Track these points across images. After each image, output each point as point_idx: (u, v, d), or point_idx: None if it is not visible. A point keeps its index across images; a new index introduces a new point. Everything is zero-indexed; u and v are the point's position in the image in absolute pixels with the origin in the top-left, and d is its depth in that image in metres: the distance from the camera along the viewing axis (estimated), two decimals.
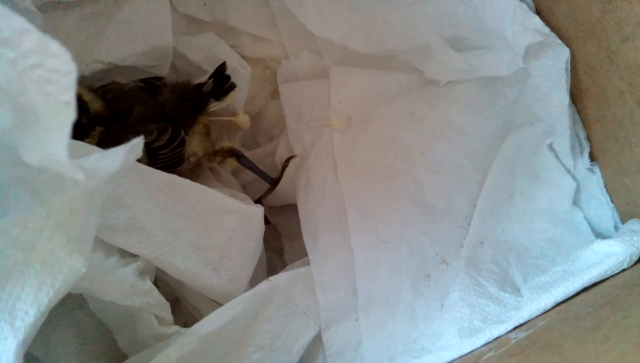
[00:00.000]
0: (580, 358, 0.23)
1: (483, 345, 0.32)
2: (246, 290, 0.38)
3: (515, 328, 0.32)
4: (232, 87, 0.43)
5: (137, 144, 0.26)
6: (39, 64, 0.20)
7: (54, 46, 0.21)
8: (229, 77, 0.43)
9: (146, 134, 0.39)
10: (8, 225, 0.25)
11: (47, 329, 0.37)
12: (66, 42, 0.43)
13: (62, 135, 0.21)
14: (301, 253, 0.42)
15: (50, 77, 0.20)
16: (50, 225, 0.25)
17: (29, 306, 0.24)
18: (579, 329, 0.24)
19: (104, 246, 0.34)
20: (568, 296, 0.31)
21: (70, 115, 0.20)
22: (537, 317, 0.31)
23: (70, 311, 0.37)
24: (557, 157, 0.39)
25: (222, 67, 0.43)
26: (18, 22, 0.20)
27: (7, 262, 0.24)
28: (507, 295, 0.35)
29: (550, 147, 0.39)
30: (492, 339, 0.32)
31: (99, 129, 0.39)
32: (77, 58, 0.43)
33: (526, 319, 0.32)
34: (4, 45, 0.20)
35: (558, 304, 0.31)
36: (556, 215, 0.39)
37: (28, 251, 0.25)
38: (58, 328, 0.37)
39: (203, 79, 0.44)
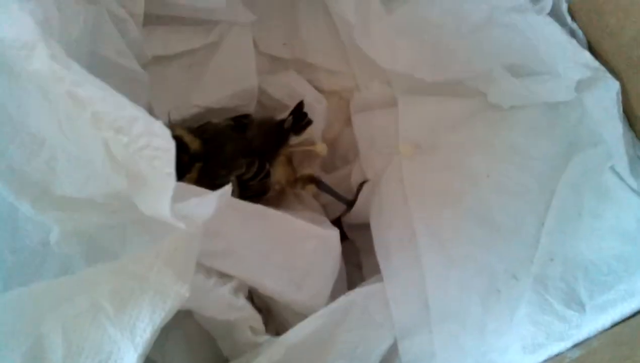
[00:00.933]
0: None
1: (543, 362, 0.34)
2: (327, 303, 0.42)
3: (573, 346, 0.33)
4: (309, 122, 0.48)
5: (226, 190, 0.32)
6: (146, 145, 0.26)
7: (158, 127, 0.26)
8: (306, 114, 0.48)
9: (237, 168, 0.45)
10: (126, 263, 0.31)
11: (162, 336, 0.44)
12: (170, 91, 0.51)
13: (166, 198, 0.26)
14: (378, 268, 0.45)
15: (155, 154, 0.26)
16: (159, 261, 0.31)
17: (146, 325, 0.30)
18: (613, 359, 0.26)
19: (204, 269, 0.40)
20: (625, 317, 0.32)
21: (171, 182, 0.26)
22: (594, 336, 0.33)
23: (181, 320, 0.44)
24: (620, 177, 0.39)
25: (300, 105, 0.48)
26: (130, 111, 0.26)
27: (127, 290, 0.31)
28: (571, 312, 0.36)
29: (613, 169, 0.39)
30: (552, 355, 0.34)
31: (197, 165, 0.45)
32: (178, 104, 0.51)
33: (585, 337, 0.33)
34: (119, 133, 0.26)
35: (616, 324, 0.32)
36: (624, 233, 0.39)
37: (142, 281, 0.31)
38: (171, 335, 0.43)
39: (284, 115, 0.49)
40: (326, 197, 0.53)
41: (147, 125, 0.26)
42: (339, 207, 0.52)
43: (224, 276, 0.41)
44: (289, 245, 0.42)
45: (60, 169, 0.32)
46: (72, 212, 0.34)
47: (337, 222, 0.52)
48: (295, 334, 0.39)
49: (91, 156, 0.31)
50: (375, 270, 0.46)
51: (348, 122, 0.53)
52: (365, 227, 0.50)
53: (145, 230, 0.35)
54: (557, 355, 0.33)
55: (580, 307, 0.36)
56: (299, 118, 0.48)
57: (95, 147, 0.29)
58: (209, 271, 0.40)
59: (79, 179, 0.32)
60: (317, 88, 0.53)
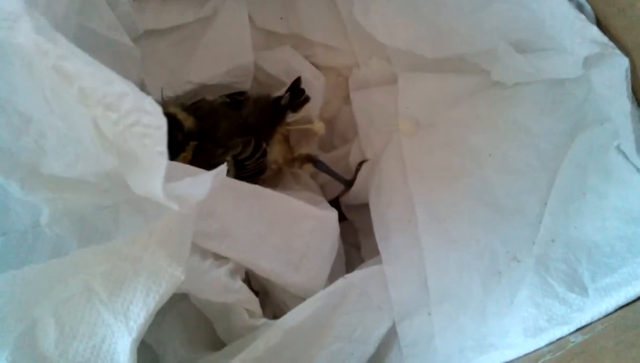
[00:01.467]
0: None
1: (545, 345, 0.33)
2: (326, 285, 0.42)
3: (577, 330, 0.33)
4: (307, 99, 0.47)
5: (221, 170, 0.31)
6: (136, 122, 0.25)
7: (148, 103, 0.25)
8: (303, 90, 0.47)
9: (232, 148, 0.44)
10: (119, 244, 0.31)
11: (157, 319, 0.43)
12: (162, 66, 0.50)
13: (158, 176, 0.25)
14: (377, 249, 0.45)
15: (146, 131, 0.25)
16: (152, 243, 0.30)
17: (140, 309, 0.29)
18: (620, 344, 0.25)
19: (199, 251, 0.39)
20: (630, 300, 0.31)
21: (163, 161, 0.25)
22: (598, 319, 0.32)
23: (176, 303, 0.43)
24: (626, 157, 0.38)
25: (297, 81, 0.47)
26: (119, 86, 0.25)
27: (120, 273, 0.30)
28: (573, 295, 0.36)
29: (619, 148, 0.38)
30: (554, 340, 0.33)
31: (192, 143, 0.44)
32: (171, 80, 0.49)
33: (588, 321, 0.33)
34: (108, 109, 0.25)
35: (620, 307, 0.32)
36: (629, 213, 0.39)
37: (136, 263, 0.30)
38: (166, 318, 0.43)
39: (280, 92, 0.48)
40: (324, 177, 0.52)
41: (137, 101, 0.25)
42: (337, 187, 0.52)
43: (219, 258, 0.40)
44: (286, 225, 0.41)
45: (50, 148, 0.31)
46: (62, 192, 0.33)
47: (335, 203, 0.52)
48: (292, 317, 0.39)
49: (80, 134, 0.30)
50: (374, 251, 0.46)
51: (346, 99, 0.52)
52: (364, 207, 0.50)
53: (139, 211, 0.34)
54: (559, 340, 0.33)
55: (583, 289, 0.36)
56: (296, 95, 0.47)
57: (84, 124, 0.28)
58: (204, 253, 0.39)
59: (69, 158, 0.31)
60: (314, 64, 0.51)
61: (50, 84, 0.27)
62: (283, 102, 0.47)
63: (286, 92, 0.47)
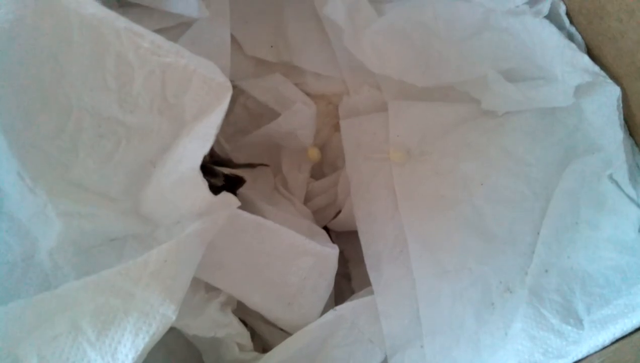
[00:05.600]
0: None
1: None
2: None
3: None
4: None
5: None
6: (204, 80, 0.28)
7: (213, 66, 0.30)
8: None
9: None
10: (112, 275, 0.30)
11: None
12: None
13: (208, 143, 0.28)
14: (368, 279, 0.44)
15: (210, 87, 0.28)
16: (147, 274, 0.29)
17: (128, 350, 0.28)
18: None
19: (191, 282, 0.38)
20: (626, 333, 0.31)
21: (218, 119, 0.29)
22: (594, 353, 0.31)
23: (164, 335, 0.42)
24: (619, 186, 0.38)
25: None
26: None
27: (110, 311, 0.29)
28: (569, 327, 0.35)
29: (611, 177, 0.38)
30: None
31: None
32: None
33: (584, 355, 0.32)
34: (179, 56, 0.29)
35: (617, 340, 0.31)
36: (622, 243, 0.38)
37: (128, 301, 0.29)
38: (151, 352, 0.41)
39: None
40: (316, 204, 0.51)
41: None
42: (328, 215, 0.51)
43: (210, 290, 0.39)
44: (284, 260, 0.40)
45: (84, 143, 0.31)
46: (84, 205, 0.32)
47: (324, 230, 0.51)
48: (281, 351, 0.38)
49: (137, 101, 0.31)
50: (365, 282, 0.45)
51: (336, 127, 0.52)
52: (353, 236, 0.49)
53: (144, 248, 0.33)
54: None
55: (578, 321, 0.35)
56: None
57: (145, 86, 0.30)
58: (196, 285, 0.38)
59: (107, 149, 0.31)
60: (304, 92, 0.51)
61: (116, 49, 0.29)
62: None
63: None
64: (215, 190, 0.34)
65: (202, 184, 0.29)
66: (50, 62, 0.29)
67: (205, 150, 0.28)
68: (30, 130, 0.29)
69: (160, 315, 0.29)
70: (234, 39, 0.50)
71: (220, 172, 0.41)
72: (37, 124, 0.29)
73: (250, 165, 0.49)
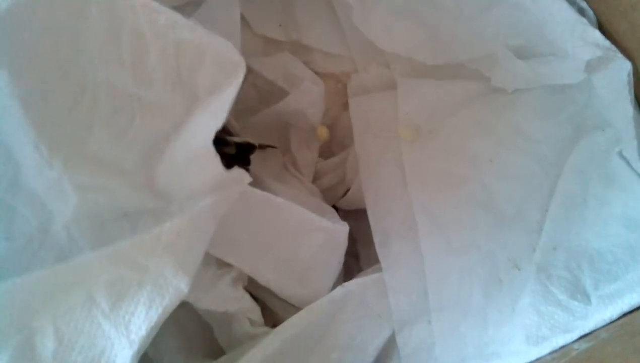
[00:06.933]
0: None
1: (548, 354, 0.33)
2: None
3: (580, 338, 0.32)
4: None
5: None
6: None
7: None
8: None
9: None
10: (126, 247, 0.30)
11: None
12: None
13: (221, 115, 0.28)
14: (375, 259, 0.44)
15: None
16: (160, 246, 0.30)
17: (142, 321, 0.29)
18: (626, 350, 0.25)
19: (203, 258, 0.38)
20: (633, 307, 0.31)
21: (230, 97, 0.29)
22: (602, 327, 0.32)
23: (175, 310, 0.43)
24: (628, 163, 0.38)
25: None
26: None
27: (124, 283, 0.29)
28: (576, 303, 0.35)
29: (621, 154, 0.38)
30: (557, 348, 0.33)
31: None
32: None
33: (591, 329, 0.32)
34: (193, 31, 0.29)
35: (624, 314, 0.32)
36: (631, 220, 0.38)
37: (141, 272, 0.30)
38: (163, 327, 0.42)
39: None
40: (324, 182, 0.52)
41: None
42: (336, 193, 0.51)
43: (222, 265, 0.40)
44: (295, 236, 0.41)
45: (100, 118, 0.31)
46: (100, 177, 0.32)
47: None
48: (290, 326, 0.38)
49: (152, 77, 0.31)
50: (373, 261, 0.45)
51: (345, 106, 0.52)
52: (361, 214, 0.49)
53: (157, 223, 0.33)
54: (562, 347, 0.33)
55: (586, 297, 0.36)
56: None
57: (160, 62, 0.30)
58: (207, 260, 0.39)
59: (122, 123, 0.31)
60: (313, 71, 0.51)
61: (132, 24, 0.29)
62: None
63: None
64: (228, 159, 0.35)
65: (215, 158, 0.30)
66: (67, 36, 0.29)
67: (218, 125, 0.29)
68: (46, 104, 0.29)
69: (173, 287, 0.29)
70: (242, 18, 0.50)
71: (231, 141, 0.41)
72: (53, 97, 0.29)
73: (259, 146, 0.50)
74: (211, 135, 0.29)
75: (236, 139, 0.43)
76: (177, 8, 0.46)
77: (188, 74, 0.30)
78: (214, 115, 0.29)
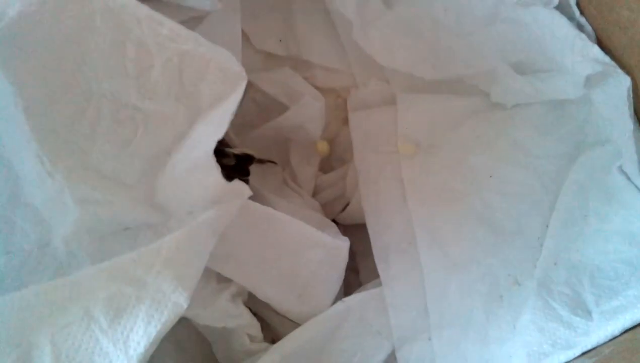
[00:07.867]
0: None
1: None
2: None
3: (582, 354, 0.32)
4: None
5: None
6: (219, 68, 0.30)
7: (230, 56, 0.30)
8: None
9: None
10: (125, 262, 0.30)
11: None
12: None
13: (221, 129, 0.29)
14: (375, 273, 0.44)
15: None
16: (159, 261, 0.29)
17: (140, 337, 0.29)
18: None
19: (203, 274, 0.38)
20: (635, 323, 0.31)
21: (232, 108, 0.30)
22: (604, 343, 0.31)
23: (173, 327, 0.42)
24: (628, 178, 0.38)
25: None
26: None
27: (122, 299, 0.29)
28: (577, 319, 0.35)
29: (621, 169, 0.38)
30: None
31: None
32: None
33: (594, 345, 0.32)
34: (198, 43, 0.30)
35: (626, 331, 0.31)
36: (632, 236, 0.38)
37: (140, 288, 0.29)
38: (161, 344, 0.42)
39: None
40: (324, 197, 0.52)
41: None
42: (336, 208, 0.51)
43: (222, 280, 0.39)
44: (295, 252, 0.40)
45: (103, 130, 0.31)
46: (101, 190, 0.32)
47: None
48: (290, 342, 0.38)
49: (156, 88, 0.31)
50: (373, 275, 0.45)
51: (345, 121, 0.52)
52: (361, 229, 0.49)
53: (157, 238, 0.33)
54: None
55: (587, 313, 0.35)
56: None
57: (163, 74, 0.30)
58: (207, 276, 0.38)
59: (124, 135, 0.32)
60: (313, 86, 0.51)
61: (136, 36, 0.30)
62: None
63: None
64: (227, 170, 0.35)
65: (215, 169, 0.30)
66: (72, 47, 0.29)
67: (219, 135, 0.29)
68: (50, 114, 0.29)
69: (172, 303, 0.29)
70: (243, 33, 0.50)
71: (230, 152, 0.41)
72: (57, 108, 0.30)
73: (259, 161, 0.50)
74: (212, 146, 0.29)
75: (235, 150, 0.43)
76: (179, 23, 0.47)
77: (191, 85, 0.30)
78: (215, 125, 0.29)
